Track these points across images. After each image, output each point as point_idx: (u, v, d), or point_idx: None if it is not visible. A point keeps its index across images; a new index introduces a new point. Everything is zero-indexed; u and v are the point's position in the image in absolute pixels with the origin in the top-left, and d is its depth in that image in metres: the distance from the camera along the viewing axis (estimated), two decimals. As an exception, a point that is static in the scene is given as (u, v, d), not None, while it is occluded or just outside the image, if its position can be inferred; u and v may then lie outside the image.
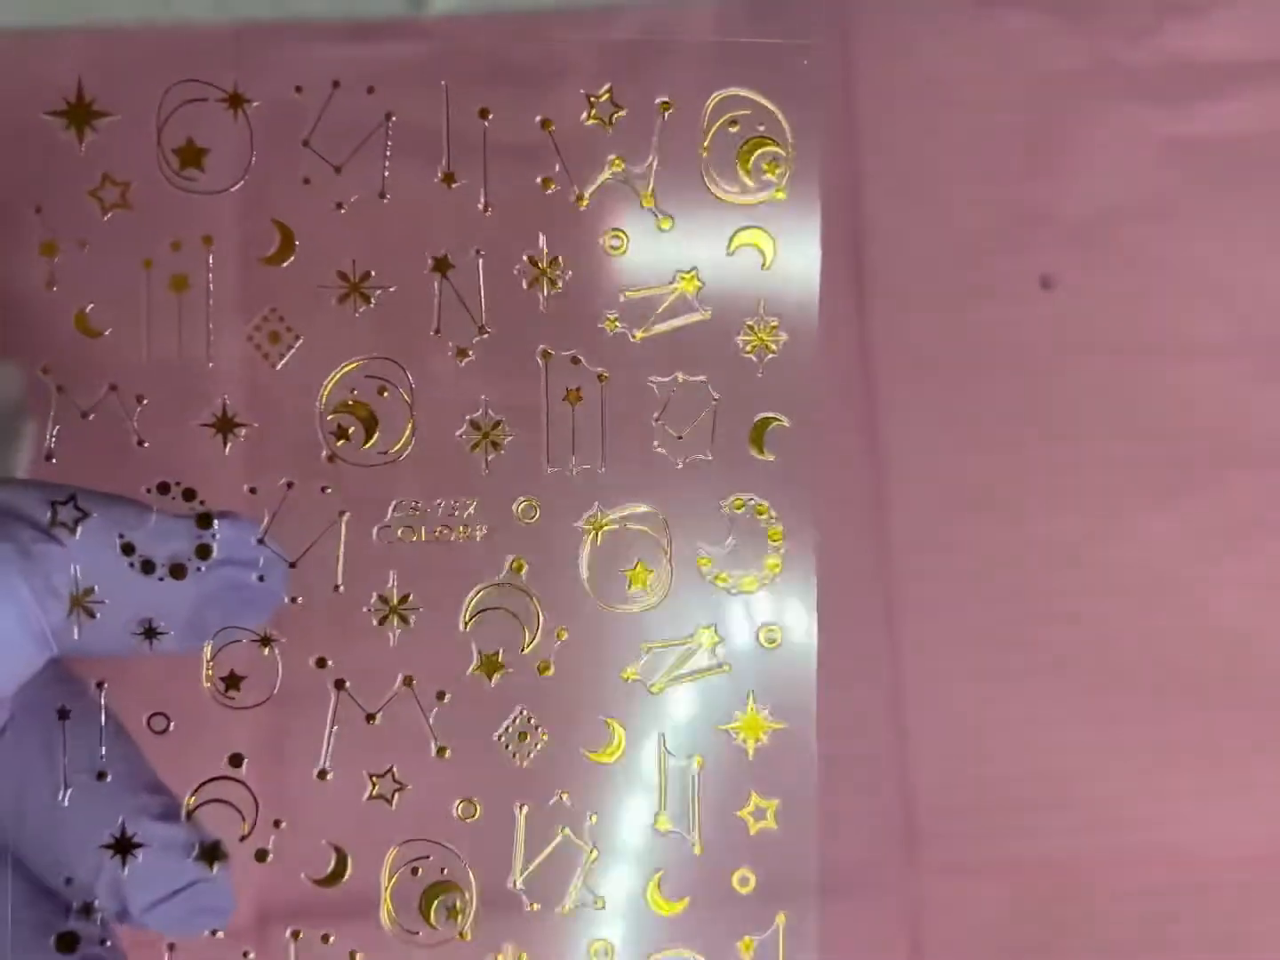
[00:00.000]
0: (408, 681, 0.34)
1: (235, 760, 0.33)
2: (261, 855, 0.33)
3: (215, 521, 0.32)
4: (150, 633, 0.32)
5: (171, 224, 0.33)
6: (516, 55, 0.40)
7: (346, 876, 0.33)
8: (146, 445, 0.33)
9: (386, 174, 0.34)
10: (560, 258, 0.34)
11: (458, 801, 0.34)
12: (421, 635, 0.34)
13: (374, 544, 0.34)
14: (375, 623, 0.34)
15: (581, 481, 0.35)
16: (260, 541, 0.33)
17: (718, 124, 0.35)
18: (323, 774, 0.34)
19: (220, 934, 0.32)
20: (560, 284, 0.34)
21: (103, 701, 0.32)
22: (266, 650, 0.33)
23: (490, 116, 0.34)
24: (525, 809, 0.34)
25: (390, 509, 0.34)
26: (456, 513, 0.34)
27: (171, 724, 0.33)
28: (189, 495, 0.32)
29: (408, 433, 0.34)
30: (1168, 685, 0.44)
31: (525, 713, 0.34)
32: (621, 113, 0.34)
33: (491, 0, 0.45)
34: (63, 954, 0.31)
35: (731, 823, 0.35)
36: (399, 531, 0.34)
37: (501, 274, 0.34)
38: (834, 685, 0.35)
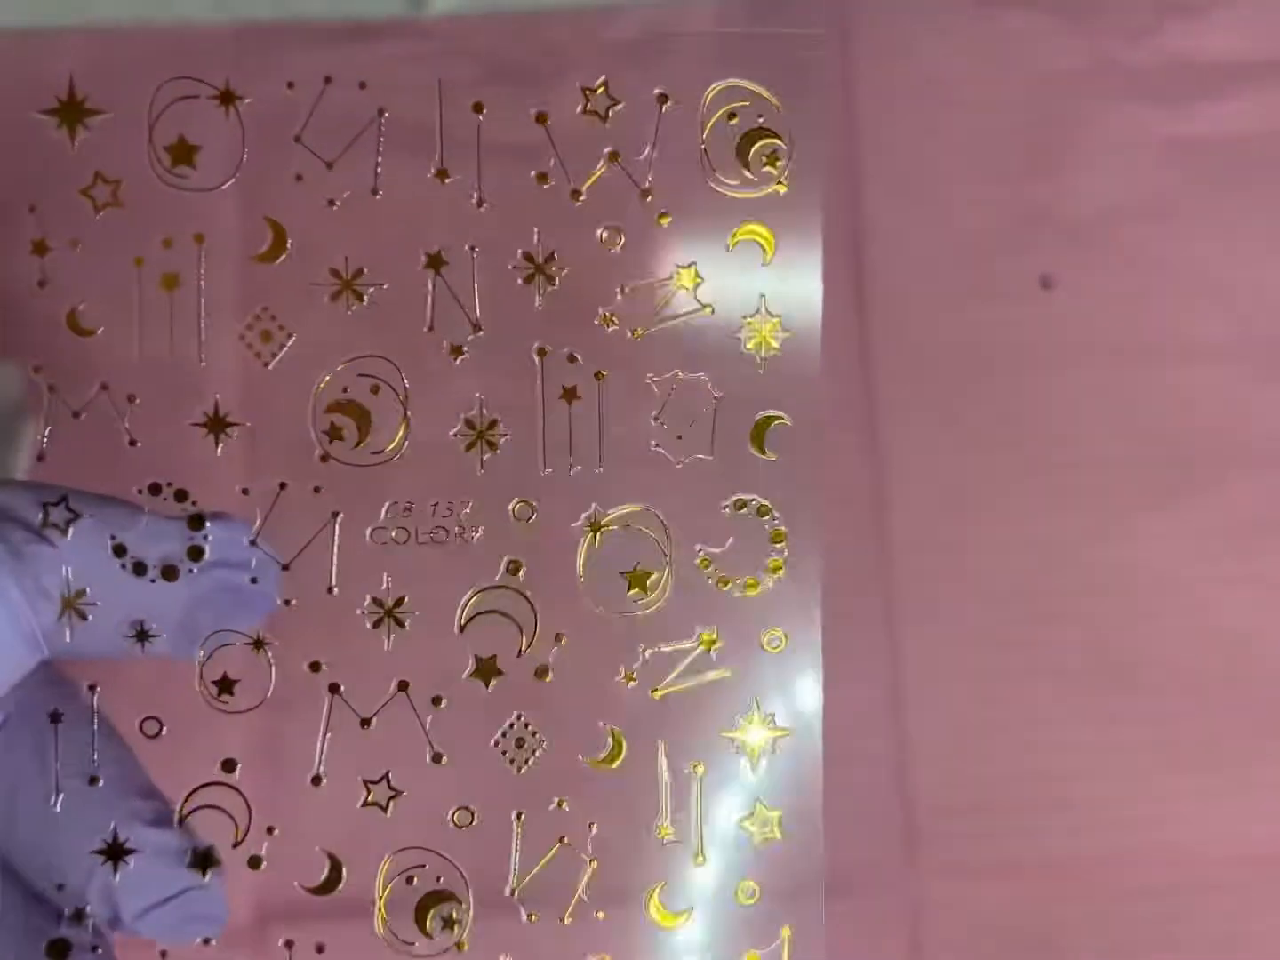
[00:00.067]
0: (403, 686, 0.33)
1: (228, 765, 0.33)
2: (255, 862, 0.33)
3: (207, 523, 0.32)
4: (142, 635, 0.32)
5: (163, 222, 0.33)
6: (516, 54, 0.40)
7: (341, 885, 0.33)
8: (138, 445, 0.33)
9: (379, 170, 0.34)
10: (556, 254, 0.34)
11: (454, 809, 0.34)
12: (417, 639, 0.34)
13: (368, 545, 0.34)
14: (369, 626, 0.33)
15: (579, 481, 0.34)
16: (253, 543, 0.32)
17: (716, 116, 0.34)
18: (317, 780, 0.33)
19: (213, 942, 0.32)
20: (556, 280, 0.34)
21: (95, 705, 0.32)
22: (259, 653, 0.33)
23: (484, 111, 0.34)
24: (523, 817, 0.34)
25: (384, 510, 0.34)
26: (451, 513, 0.34)
27: (164, 728, 0.32)
28: (181, 496, 0.32)
29: (402, 432, 0.34)
30: (1168, 685, 0.44)
31: (523, 718, 0.34)
32: (618, 105, 0.34)
33: (491, 0, 0.45)
34: (53, 961, 0.31)
35: (735, 832, 0.34)
36: (393, 533, 0.34)
37: (496, 270, 0.34)
38: (834, 685, 0.35)
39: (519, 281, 0.34)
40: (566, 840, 0.34)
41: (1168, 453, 0.45)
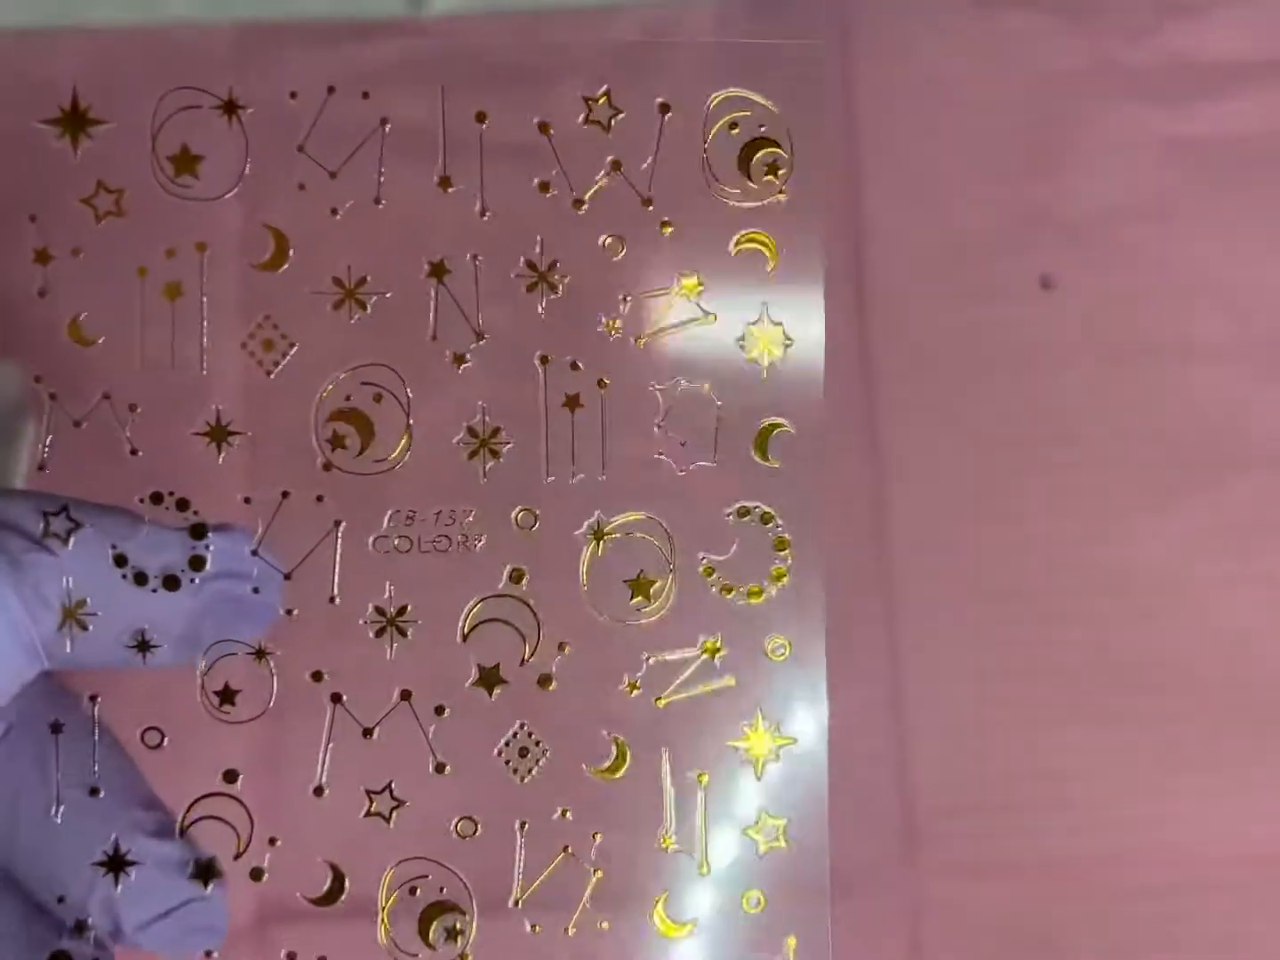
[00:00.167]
0: (405, 695, 0.33)
1: (230, 776, 0.33)
2: (257, 874, 0.33)
3: (209, 533, 0.32)
4: (143, 645, 0.31)
5: (165, 231, 0.33)
6: (516, 56, 0.40)
7: (343, 896, 0.33)
8: (139, 454, 0.33)
9: (382, 179, 0.34)
10: (559, 262, 0.34)
11: (457, 819, 0.33)
12: (419, 648, 0.33)
13: (370, 554, 0.33)
14: (372, 635, 0.33)
15: (582, 489, 0.34)
16: (255, 553, 0.32)
17: (718, 125, 0.34)
18: (319, 790, 0.33)
19: (215, 954, 0.32)
20: (559, 289, 0.34)
21: (96, 715, 0.32)
22: (261, 663, 0.33)
23: (487, 120, 0.34)
24: (526, 827, 0.34)
25: (386, 518, 0.34)
26: (454, 522, 0.34)
27: (165, 739, 0.32)
28: (182, 505, 0.32)
29: (404, 441, 0.34)
30: (1168, 685, 0.44)
31: (526, 728, 0.34)
32: (620, 115, 0.34)
33: (491, 0, 0.44)
34: (55, 973, 0.31)
35: (740, 842, 0.34)
36: (395, 541, 0.33)
37: (499, 279, 0.34)
38: (834, 686, 0.35)
39: (522, 290, 0.34)
40: (570, 850, 0.34)
41: (1168, 453, 0.45)
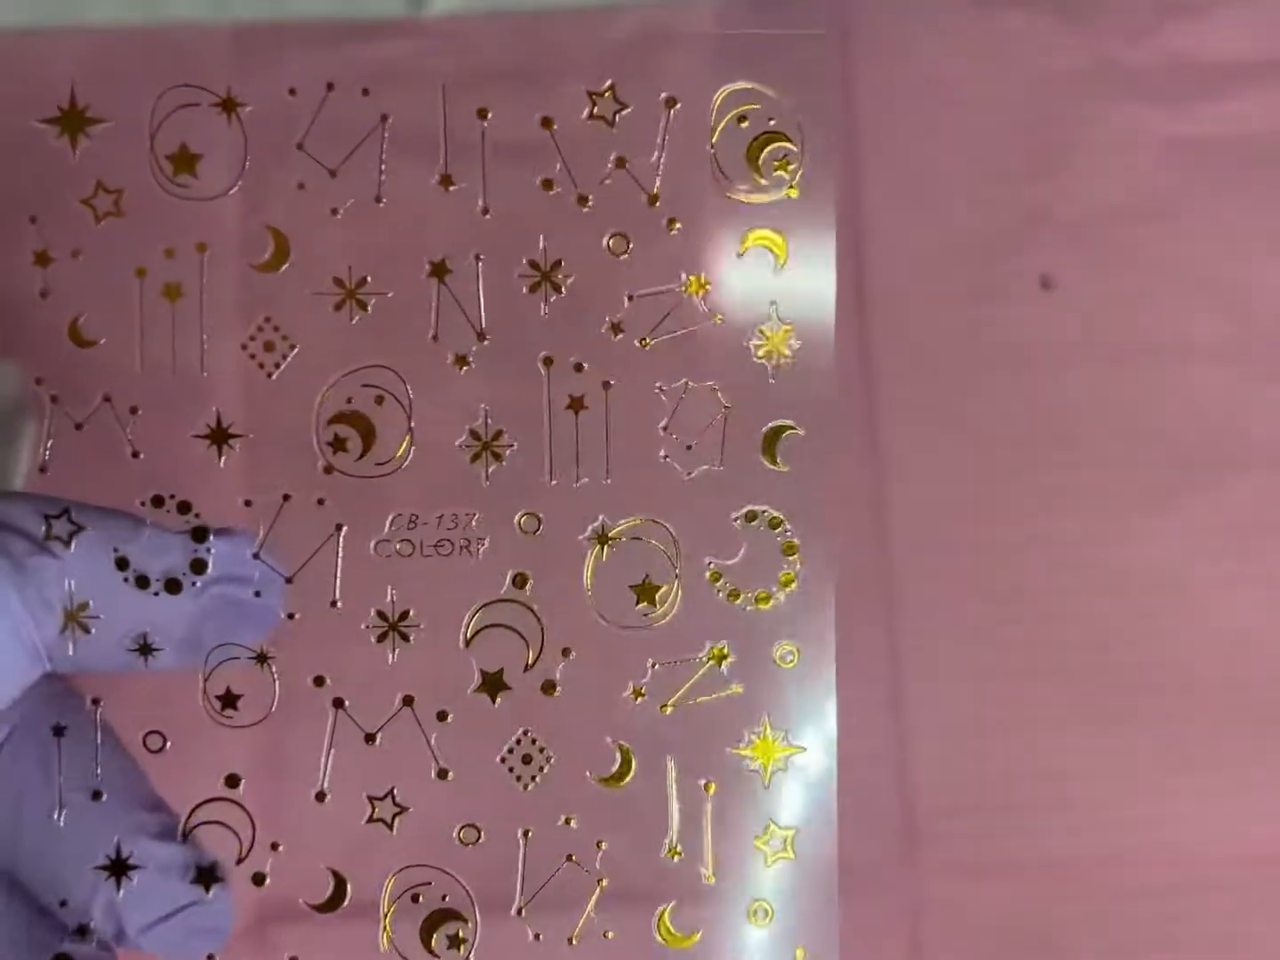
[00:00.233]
0: (408, 701, 0.33)
1: (232, 781, 0.32)
2: (259, 879, 0.32)
3: (210, 536, 0.32)
4: (145, 648, 0.31)
5: (165, 231, 0.33)
6: (516, 56, 0.40)
7: (345, 902, 0.33)
8: (140, 457, 0.33)
9: (383, 177, 0.33)
10: (563, 261, 0.34)
11: (460, 826, 0.33)
12: (422, 653, 0.33)
13: (372, 558, 0.33)
14: (374, 640, 0.33)
15: (586, 493, 0.34)
16: (256, 556, 0.32)
17: (726, 119, 0.34)
18: (321, 796, 0.33)
19: (217, 957, 0.32)
20: (563, 288, 0.34)
21: (98, 718, 0.32)
22: (263, 668, 0.33)
23: (489, 117, 0.34)
24: (530, 834, 0.34)
25: (388, 522, 0.33)
26: (457, 526, 0.34)
27: (168, 742, 0.32)
28: (184, 508, 0.32)
29: (406, 443, 0.34)
30: (1168, 685, 0.44)
31: (529, 734, 0.34)
32: (625, 110, 0.34)
33: (491, 0, 0.44)
34: (58, 976, 0.31)
35: (747, 852, 0.34)
36: (398, 545, 0.33)
37: (501, 279, 0.34)
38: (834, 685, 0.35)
39: (525, 290, 0.34)
40: (574, 858, 0.34)
41: (1168, 453, 0.45)
